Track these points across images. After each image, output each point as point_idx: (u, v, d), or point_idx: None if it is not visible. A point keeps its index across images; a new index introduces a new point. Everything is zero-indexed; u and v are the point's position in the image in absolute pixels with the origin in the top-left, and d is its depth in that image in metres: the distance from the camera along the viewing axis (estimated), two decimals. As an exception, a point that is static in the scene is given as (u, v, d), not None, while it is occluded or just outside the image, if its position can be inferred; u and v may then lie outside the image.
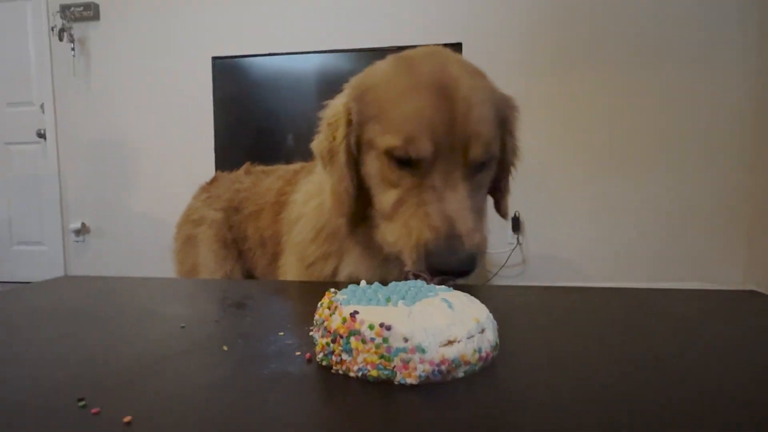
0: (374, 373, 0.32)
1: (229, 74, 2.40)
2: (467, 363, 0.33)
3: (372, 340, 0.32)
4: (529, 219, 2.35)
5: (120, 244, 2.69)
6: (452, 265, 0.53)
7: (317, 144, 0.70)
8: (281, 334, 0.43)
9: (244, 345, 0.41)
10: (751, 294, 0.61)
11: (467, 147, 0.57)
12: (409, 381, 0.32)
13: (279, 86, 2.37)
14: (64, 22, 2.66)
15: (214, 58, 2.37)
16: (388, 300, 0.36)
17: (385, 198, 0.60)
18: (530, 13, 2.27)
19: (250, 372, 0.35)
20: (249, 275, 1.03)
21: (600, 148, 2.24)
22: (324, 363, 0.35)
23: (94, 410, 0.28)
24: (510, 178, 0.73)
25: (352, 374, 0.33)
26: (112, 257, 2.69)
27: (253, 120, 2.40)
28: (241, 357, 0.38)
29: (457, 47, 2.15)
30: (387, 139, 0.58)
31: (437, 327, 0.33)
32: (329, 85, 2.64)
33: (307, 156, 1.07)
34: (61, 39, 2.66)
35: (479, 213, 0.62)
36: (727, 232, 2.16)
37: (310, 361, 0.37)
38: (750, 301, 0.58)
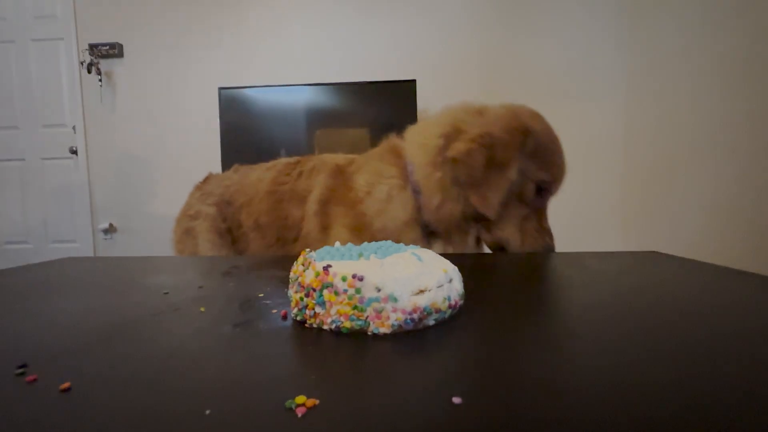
0: (347, 324, 0.24)
1: (232, 101, 2.26)
2: (438, 310, 0.25)
3: (345, 291, 0.24)
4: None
5: (142, 240, 2.48)
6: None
7: (471, 153, 0.61)
8: (261, 295, 0.35)
9: (222, 306, 0.32)
10: (653, 253, 0.57)
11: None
12: (382, 330, 0.24)
13: (273, 111, 2.26)
14: (93, 58, 2.42)
15: (220, 88, 2.23)
16: (360, 255, 0.28)
17: (516, 210, 0.65)
18: (473, 54, 2.24)
19: (219, 330, 0.26)
20: (245, 257, 0.92)
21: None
22: (298, 318, 0.27)
23: (29, 378, 0.19)
24: None
25: (325, 327, 0.25)
26: (135, 251, 2.47)
27: (253, 138, 2.27)
28: (214, 316, 0.29)
29: (411, 84, 2.09)
30: (541, 174, 0.64)
31: (408, 277, 0.25)
32: (311, 112, 2.51)
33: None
34: (89, 72, 2.42)
35: None
36: (608, 219, 2.23)
37: (285, 317, 0.28)
38: (653, 259, 0.54)
